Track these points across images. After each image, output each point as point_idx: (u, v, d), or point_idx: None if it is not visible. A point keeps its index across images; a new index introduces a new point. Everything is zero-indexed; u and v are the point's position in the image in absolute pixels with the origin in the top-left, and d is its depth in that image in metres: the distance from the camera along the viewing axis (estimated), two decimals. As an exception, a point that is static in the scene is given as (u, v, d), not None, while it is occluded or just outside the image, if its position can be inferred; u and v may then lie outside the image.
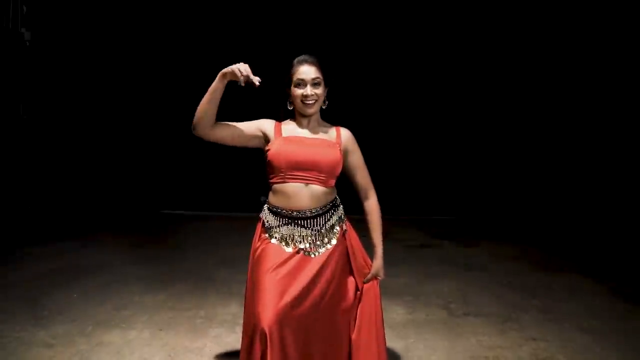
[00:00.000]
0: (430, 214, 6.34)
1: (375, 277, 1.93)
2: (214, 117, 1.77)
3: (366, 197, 1.99)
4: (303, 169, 1.79)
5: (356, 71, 6.10)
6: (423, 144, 6.35)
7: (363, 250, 1.97)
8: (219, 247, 4.77)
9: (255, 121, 1.90)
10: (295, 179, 1.80)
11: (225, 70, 1.71)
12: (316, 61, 1.85)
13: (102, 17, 6.30)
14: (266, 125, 1.89)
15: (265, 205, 1.89)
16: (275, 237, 1.80)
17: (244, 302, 1.91)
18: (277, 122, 1.91)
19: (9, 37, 5.77)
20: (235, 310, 3.08)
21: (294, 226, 1.79)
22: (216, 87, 1.73)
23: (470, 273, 4.04)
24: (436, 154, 6.38)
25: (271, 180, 1.86)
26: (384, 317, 1.93)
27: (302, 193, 1.80)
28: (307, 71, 1.82)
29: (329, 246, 1.82)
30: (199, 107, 1.76)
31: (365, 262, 1.94)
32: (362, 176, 1.97)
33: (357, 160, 1.95)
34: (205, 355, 2.52)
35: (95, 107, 6.51)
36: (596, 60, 6.00)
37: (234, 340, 2.64)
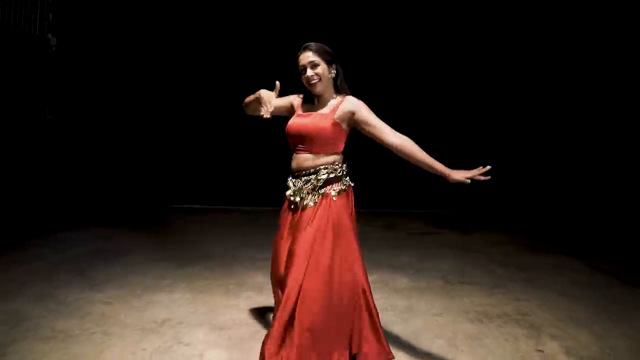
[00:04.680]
0: (433, 208, 6.80)
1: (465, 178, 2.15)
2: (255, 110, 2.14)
3: (394, 144, 2.04)
4: (298, 138, 2.08)
5: (359, 69, 6.51)
6: (426, 143, 6.77)
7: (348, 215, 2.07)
8: (236, 234, 5.23)
9: (290, 96, 2.24)
10: (298, 150, 2.10)
11: (258, 93, 2.04)
12: (310, 46, 2.09)
13: (123, 24, 6.77)
14: (296, 100, 2.23)
15: None
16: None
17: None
18: (302, 100, 2.22)
19: (36, 42, 6.14)
20: (261, 280, 3.53)
21: (296, 179, 2.10)
22: (253, 99, 2.11)
23: (466, 254, 4.50)
24: (439, 151, 6.79)
25: None
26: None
27: (301, 157, 2.09)
28: (303, 57, 2.08)
29: (316, 200, 2.03)
30: (246, 100, 2.18)
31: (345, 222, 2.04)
32: (377, 130, 2.05)
33: (363, 118, 2.05)
34: (242, 310, 2.96)
35: (117, 108, 6.96)
36: (582, 58, 6.44)
37: (264, 300, 3.10)
